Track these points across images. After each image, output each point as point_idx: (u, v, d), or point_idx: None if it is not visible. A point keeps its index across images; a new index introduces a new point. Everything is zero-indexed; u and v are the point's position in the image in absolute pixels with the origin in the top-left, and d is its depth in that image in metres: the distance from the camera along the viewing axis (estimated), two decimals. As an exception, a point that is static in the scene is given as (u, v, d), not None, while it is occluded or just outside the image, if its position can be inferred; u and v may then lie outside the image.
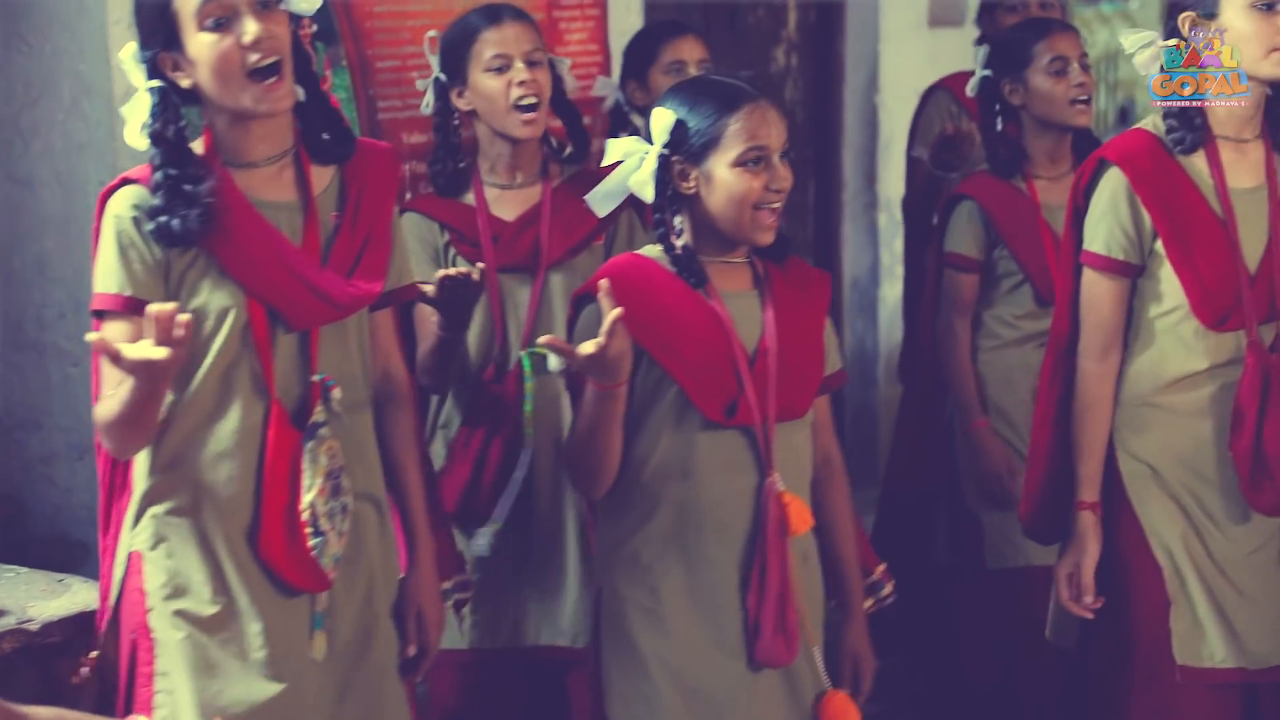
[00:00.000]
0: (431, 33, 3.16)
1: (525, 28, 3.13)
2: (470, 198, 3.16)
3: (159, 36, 2.45)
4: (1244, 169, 3.00)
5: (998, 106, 3.78)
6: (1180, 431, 2.99)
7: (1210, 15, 2.92)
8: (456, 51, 3.12)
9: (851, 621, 2.85)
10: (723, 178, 2.62)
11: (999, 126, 3.78)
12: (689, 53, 3.72)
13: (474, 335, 3.13)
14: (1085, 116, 3.74)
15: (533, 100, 3.08)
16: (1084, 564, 3.01)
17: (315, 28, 3.64)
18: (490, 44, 3.08)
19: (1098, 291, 3.00)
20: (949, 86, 4.44)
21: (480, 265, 2.90)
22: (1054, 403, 3.08)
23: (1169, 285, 2.97)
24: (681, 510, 2.67)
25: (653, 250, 2.74)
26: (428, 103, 3.20)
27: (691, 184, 2.64)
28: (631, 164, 2.67)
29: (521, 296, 3.12)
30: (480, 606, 3.14)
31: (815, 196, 5.51)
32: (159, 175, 2.45)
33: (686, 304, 2.66)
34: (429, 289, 2.86)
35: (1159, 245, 2.96)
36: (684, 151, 2.64)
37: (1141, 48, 3.01)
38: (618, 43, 4.45)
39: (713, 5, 5.08)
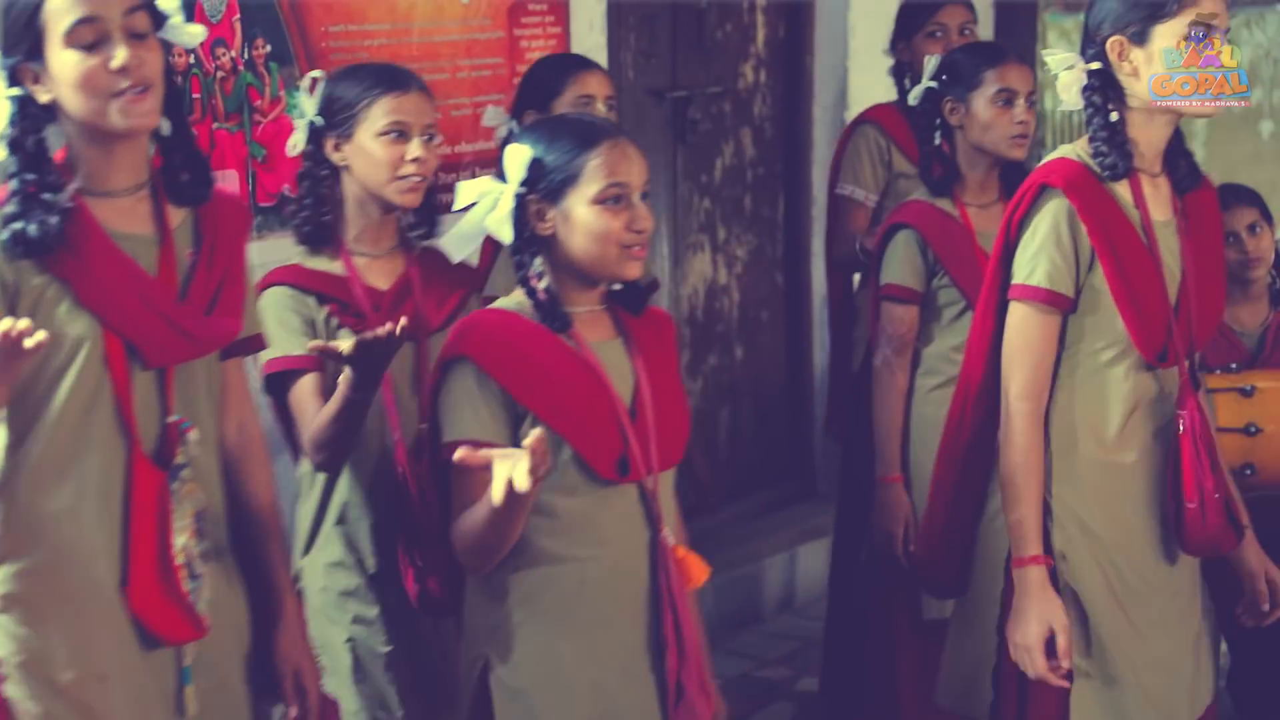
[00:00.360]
0: (316, 73, 3.04)
1: (427, 100, 3.02)
2: (337, 266, 3.01)
3: (22, 46, 2.35)
4: (1158, 202, 2.92)
5: (936, 121, 3.71)
6: (1118, 482, 2.90)
7: (1140, 42, 2.83)
8: (348, 104, 2.98)
9: None
10: (582, 216, 2.51)
11: (936, 141, 3.71)
12: (597, 87, 3.58)
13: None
14: (1021, 150, 3.67)
15: (418, 180, 2.98)
16: (1059, 625, 2.80)
17: (269, 48, 3.63)
18: (391, 110, 2.95)
19: (1035, 328, 2.85)
20: (875, 119, 4.33)
21: (404, 321, 2.72)
22: (962, 451, 2.95)
23: (1104, 321, 2.86)
24: (581, 574, 2.54)
25: (510, 300, 2.61)
26: (295, 144, 3.04)
27: (549, 224, 2.53)
28: (486, 204, 2.55)
29: (406, 366, 2.99)
30: (410, 695, 3.02)
31: (784, 213, 5.48)
32: (15, 183, 2.35)
33: (562, 358, 2.55)
34: (346, 347, 2.71)
35: (1095, 278, 2.85)
36: (541, 190, 2.53)
37: (1065, 69, 2.90)
38: (581, 60, 4.43)
39: (679, 22, 5.04)
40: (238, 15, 3.57)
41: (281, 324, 2.90)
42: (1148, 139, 2.88)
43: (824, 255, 4.61)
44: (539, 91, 3.60)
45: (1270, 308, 4.32)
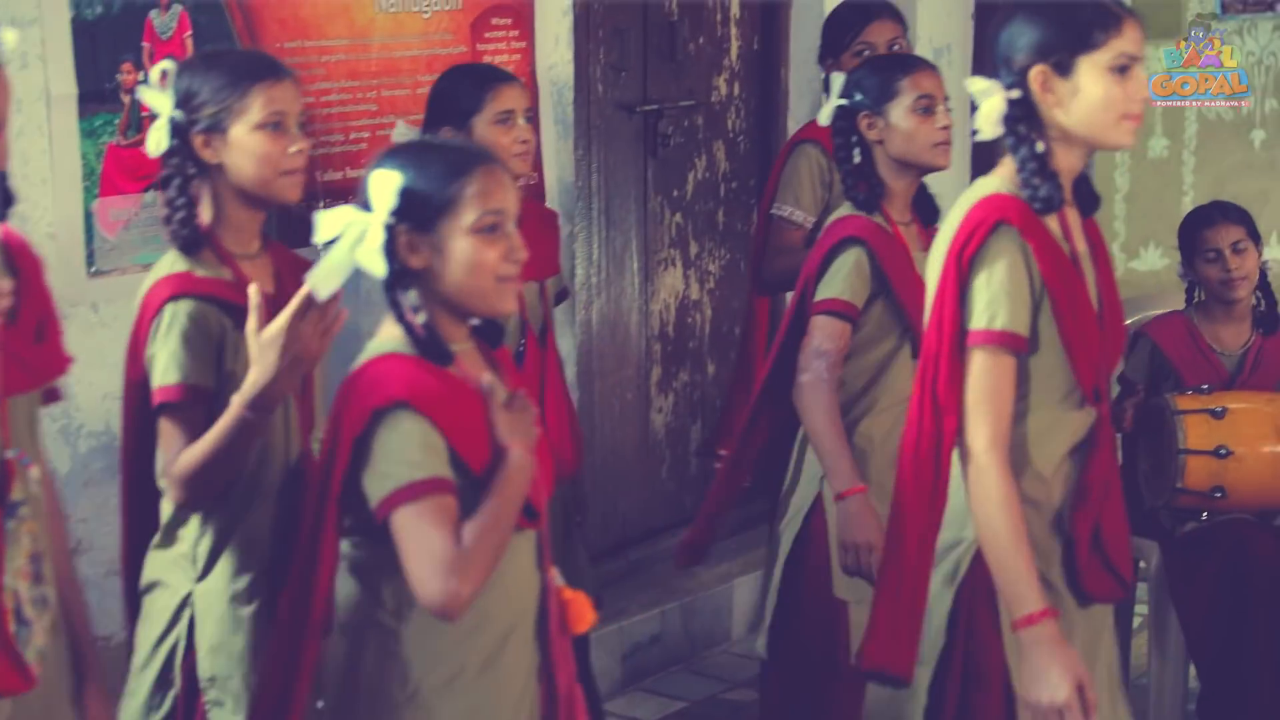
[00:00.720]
0: (166, 65, 2.86)
1: (299, 87, 2.88)
2: (226, 272, 2.82)
3: None
4: (1076, 233, 2.83)
5: (854, 139, 3.57)
6: (1045, 524, 2.78)
7: (1065, 73, 2.71)
8: (216, 97, 2.79)
9: None
10: (459, 246, 2.39)
11: (855, 160, 3.56)
12: (517, 101, 3.50)
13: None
14: (946, 158, 3.55)
15: (301, 173, 2.85)
16: (1086, 679, 2.66)
17: (222, 65, 3.57)
18: (269, 100, 2.79)
19: (998, 374, 2.70)
20: (816, 137, 4.14)
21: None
22: (938, 520, 2.77)
23: (1051, 362, 2.75)
24: (500, 630, 2.47)
25: (391, 343, 2.44)
26: (158, 143, 2.82)
27: (422, 256, 2.40)
28: (353, 236, 2.40)
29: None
30: None
31: (759, 226, 5.41)
32: None
33: (477, 404, 2.43)
34: (277, 328, 2.56)
35: (1043, 318, 2.73)
36: (413, 219, 2.39)
37: (986, 97, 2.77)
38: (546, 77, 4.38)
39: (650, 35, 4.98)
40: (189, 32, 3.51)
41: (188, 345, 2.74)
42: (1067, 169, 2.78)
43: (749, 275, 4.45)
44: (455, 107, 3.49)
45: (1252, 329, 4.27)
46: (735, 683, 4.80)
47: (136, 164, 3.42)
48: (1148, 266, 8.49)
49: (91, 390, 3.39)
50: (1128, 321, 4.43)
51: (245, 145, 2.79)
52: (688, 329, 5.24)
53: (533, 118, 3.61)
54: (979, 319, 2.71)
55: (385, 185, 2.39)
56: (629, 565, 5.06)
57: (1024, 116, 2.74)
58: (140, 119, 3.43)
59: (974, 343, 2.71)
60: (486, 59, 4.18)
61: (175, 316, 2.75)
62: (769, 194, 4.25)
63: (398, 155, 2.45)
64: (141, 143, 3.42)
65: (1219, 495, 4.01)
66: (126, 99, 3.41)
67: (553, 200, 4.43)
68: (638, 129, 4.98)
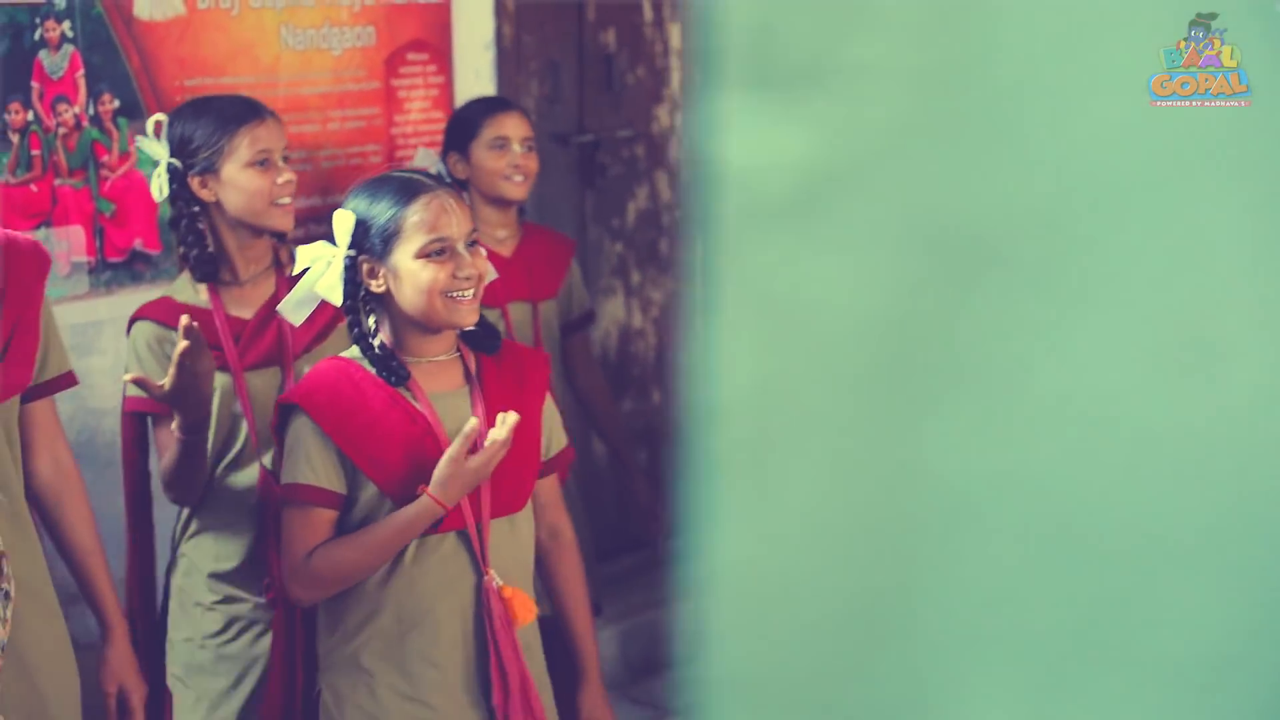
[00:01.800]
0: (159, 116, 3.15)
1: (280, 124, 3.17)
2: (203, 298, 3.12)
3: None
4: None
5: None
6: None
7: None
8: (206, 142, 3.09)
9: (587, 687, 2.88)
10: (409, 270, 2.63)
11: None
12: (513, 129, 3.76)
13: (223, 441, 3.09)
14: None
15: (290, 202, 3.13)
16: None
17: (118, 103, 3.63)
18: (255, 140, 3.09)
19: None
20: None
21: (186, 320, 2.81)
22: None
23: None
24: (400, 615, 2.66)
25: (353, 350, 2.73)
26: (161, 188, 3.14)
27: (381, 282, 2.66)
28: (319, 269, 2.69)
29: (271, 392, 3.07)
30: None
31: (703, 256, 5.45)
32: None
33: (393, 412, 2.65)
34: (166, 383, 2.78)
35: None
36: (369, 250, 2.65)
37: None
38: (467, 109, 4.43)
39: (586, 68, 5.03)
40: (81, 71, 3.58)
41: (141, 365, 3.02)
42: None
43: None
44: (458, 134, 3.79)
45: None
46: (672, 709, 4.81)
47: (27, 201, 3.49)
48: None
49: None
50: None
51: (237, 182, 3.08)
52: (631, 357, 5.27)
53: (533, 146, 3.83)
54: None
55: (342, 223, 2.67)
56: (570, 593, 5.07)
57: None
58: (30, 157, 3.50)
59: None
60: (401, 94, 4.24)
61: (134, 337, 3.07)
62: None
63: (359, 190, 2.72)
64: (31, 180, 3.52)
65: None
66: (15, 138, 3.48)
67: (477, 232, 4.48)
68: (573, 160, 5.02)
